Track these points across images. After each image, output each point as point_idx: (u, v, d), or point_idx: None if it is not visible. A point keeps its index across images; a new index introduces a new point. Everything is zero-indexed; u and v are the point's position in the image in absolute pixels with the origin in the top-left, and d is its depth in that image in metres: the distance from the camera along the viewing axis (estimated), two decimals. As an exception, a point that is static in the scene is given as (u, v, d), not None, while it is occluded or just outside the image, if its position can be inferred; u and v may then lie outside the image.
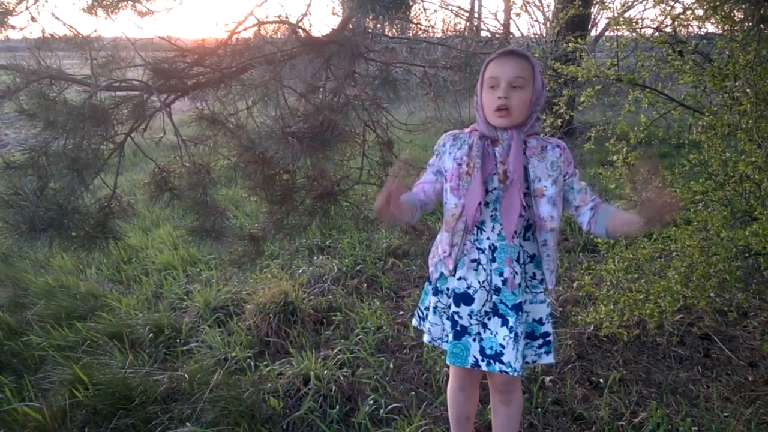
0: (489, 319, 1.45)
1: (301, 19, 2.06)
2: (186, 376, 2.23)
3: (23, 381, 2.26)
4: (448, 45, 2.52)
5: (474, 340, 1.47)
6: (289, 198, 2.26)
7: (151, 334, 2.61)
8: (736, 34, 2.14)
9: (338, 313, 2.80)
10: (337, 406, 2.08)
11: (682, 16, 2.47)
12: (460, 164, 1.42)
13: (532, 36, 7.60)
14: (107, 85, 1.94)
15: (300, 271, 3.35)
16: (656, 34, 2.96)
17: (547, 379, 2.23)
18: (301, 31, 2.05)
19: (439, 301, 1.54)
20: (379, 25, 2.10)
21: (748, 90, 2.04)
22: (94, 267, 3.52)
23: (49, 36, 1.96)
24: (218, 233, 2.13)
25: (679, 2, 2.67)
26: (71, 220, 1.90)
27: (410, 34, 2.57)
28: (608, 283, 2.50)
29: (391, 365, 2.35)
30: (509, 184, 1.37)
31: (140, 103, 2.01)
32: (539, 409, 2.05)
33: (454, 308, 1.48)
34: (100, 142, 1.97)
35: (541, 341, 1.52)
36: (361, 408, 2.07)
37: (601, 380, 2.21)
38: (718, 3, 1.99)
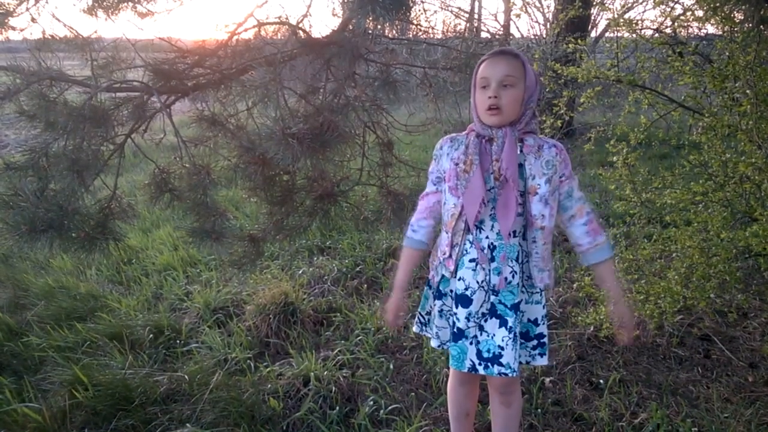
0: (486, 321, 1.45)
1: (302, 21, 2.06)
2: (186, 377, 2.23)
3: (23, 382, 2.26)
4: (448, 46, 2.53)
5: (471, 343, 1.47)
6: (289, 199, 2.26)
7: (151, 335, 2.61)
8: (736, 35, 2.14)
9: (338, 314, 2.80)
10: (337, 407, 2.08)
11: (682, 17, 2.47)
12: (457, 164, 1.43)
13: (532, 37, 7.60)
14: (107, 86, 1.94)
15: (300, 271, 3.35)
16: (656, 35, 2.96)
17: (547, 380, 2.23)
18: (301, 33, 2.06)
19: (444, 304, 1.54)
20: (379, 27, 2.10)
21: (748, 91, 2.04)
22: (94, 268, 3.51)
23: (50, 37, 1.96)
24: (218, 234, 2.13)
25: (679, 3, 2.68)
26: (71, 221, 1.90)
27: (410, 35, 2.58)
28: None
29: (391, 366, 2.35)
30: (504, 181, 1.37)
31: (140, 104, 2.02)
32: (539, 410, 2.05)
33: (453, 309, 1.49)
34: (100, 143, 1.98)
35: (535, 342, 1.51)
36: (361, 409, 2.07)
37: (601, 381, 2.21)
38: (718, 4, 1.98)
